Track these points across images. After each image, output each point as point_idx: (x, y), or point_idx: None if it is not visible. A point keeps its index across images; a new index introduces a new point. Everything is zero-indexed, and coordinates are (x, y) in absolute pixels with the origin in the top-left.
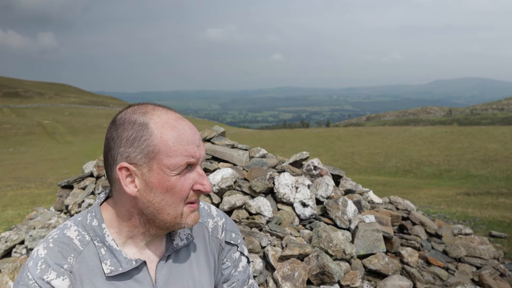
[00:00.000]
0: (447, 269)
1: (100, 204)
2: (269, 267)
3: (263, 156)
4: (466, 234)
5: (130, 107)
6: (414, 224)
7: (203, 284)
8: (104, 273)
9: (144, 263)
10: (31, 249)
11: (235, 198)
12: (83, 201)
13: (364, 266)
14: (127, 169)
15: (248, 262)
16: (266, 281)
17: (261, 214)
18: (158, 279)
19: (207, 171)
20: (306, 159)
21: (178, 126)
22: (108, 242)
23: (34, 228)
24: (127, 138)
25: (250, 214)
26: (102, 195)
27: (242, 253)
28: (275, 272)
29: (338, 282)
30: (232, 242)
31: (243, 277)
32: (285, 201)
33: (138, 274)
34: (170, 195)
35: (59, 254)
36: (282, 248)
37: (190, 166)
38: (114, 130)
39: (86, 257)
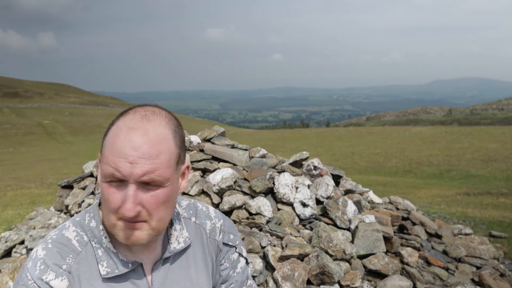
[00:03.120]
0: (447, 269)
1: (99, 205)
2: (269, 267)
3: (263, 156)
4: (466, 234)
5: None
6: (414, 224)
7: (201, 285)
8: (101, 275)
9: (141, 265)
10: (31, 249)
11: (235, 198)
12: (83, 201)
13: (364, 266)
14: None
15: (247, 263)
16: (266, 281)
17: (261, 214)
18: (154, 281)
19: (207, 171)
20: (306, 159)
21: (121, 134)
22: (106, 244)
23: (34, 228)
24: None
25: (250, 214)
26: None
27: (240, 254)
28: (275, 272)
29: (338, 282)
30: (230, 243)
31: (241, 278)
32: (285, 201)
33: (135, 276)
34: (104, 200)
35: (58, 254)
36: (282, 248)
37: (123, 182)
38: None
39: (84, 258)
